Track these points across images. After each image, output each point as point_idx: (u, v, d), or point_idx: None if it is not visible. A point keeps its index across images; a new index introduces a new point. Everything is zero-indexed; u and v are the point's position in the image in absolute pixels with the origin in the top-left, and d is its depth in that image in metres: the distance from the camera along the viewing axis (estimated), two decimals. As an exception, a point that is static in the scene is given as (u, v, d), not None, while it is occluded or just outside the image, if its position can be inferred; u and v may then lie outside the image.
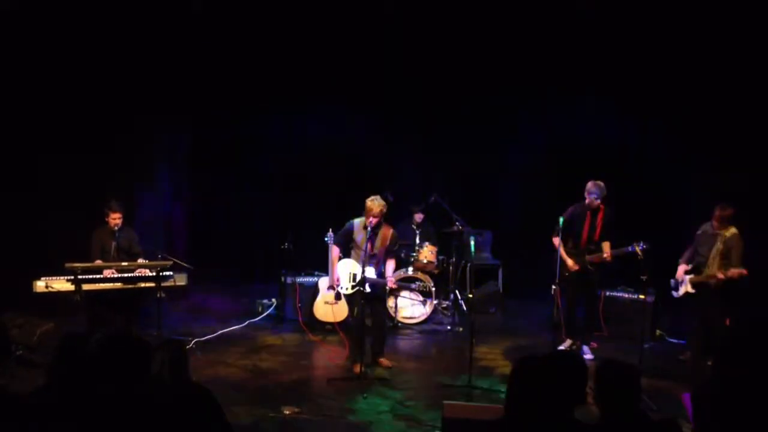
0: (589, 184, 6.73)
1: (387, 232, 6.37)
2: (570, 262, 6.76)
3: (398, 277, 7.69)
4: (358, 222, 6.38)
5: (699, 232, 6.66)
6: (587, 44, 8.75)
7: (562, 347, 6.87)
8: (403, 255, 8.25)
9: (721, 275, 6.22)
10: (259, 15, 9.03)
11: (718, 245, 6.35)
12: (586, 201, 6.75)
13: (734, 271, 6.16)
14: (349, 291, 6.48)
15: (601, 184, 6.71)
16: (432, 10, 8.89)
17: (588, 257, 6.77)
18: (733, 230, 6.37)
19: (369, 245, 6.18)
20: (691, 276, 6.56)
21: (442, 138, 9.91)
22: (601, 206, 6.77)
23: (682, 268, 6.68)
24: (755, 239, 6.46)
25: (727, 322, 6.30)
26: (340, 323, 7.40)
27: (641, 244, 6.25)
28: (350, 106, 9.83)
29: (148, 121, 8.74)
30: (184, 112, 9.47)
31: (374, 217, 6.17)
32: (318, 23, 9.10)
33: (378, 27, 9.09)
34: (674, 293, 6.74)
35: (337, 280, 6.56)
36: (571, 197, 7.00)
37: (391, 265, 6.52)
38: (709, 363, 6.19)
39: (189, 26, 8.78)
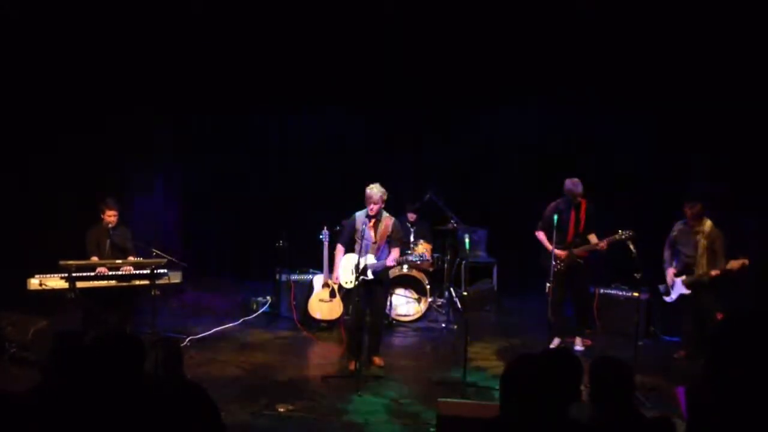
0: (566, 183, 6.84)
1: (388, 222, 6.38)
2: (558, 251, 6.81)
3: (395, 274, 7.70)
4: (360, 214, 6.38)
5: (674, 233, 6.81)
6: (581, 42, 8.76)
7: (552, 346, 6.88)
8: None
9: (716, 272, 6.34)
10: (257, 14, 9.00)
11: (702, 241, 6.46)
12: (568, 197, 6.86)
13: (735, 263, 6.26)
14: (352, 284, 6.36)
15: (576, 180, 6.82)
16: (429, 10, 8.88)
17: (575, 250, 6.81)
18: (708, 223, 6.52)
19: (372, 233, 6.22)
20: (683, 278, 6.64)
21: (437, 135, 9.92)
22: (582, 201, 6.87)
23: (671, 272, 6.78)
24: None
25: (720, 316, 6.35)
26: (333, 321, 7.41)
27: (626, 232, 6.31)
28: (344, 105, 9.83)
29: (143, 118, 8.72)
30: (180, 111, 9.45)
31: (375, 203, 6.19)
32: (315, 22, 9.07)
33: (375, 26, 9.08)
34: (666, 298, 6.84)
35: (337, 279, 6.53)
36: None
37: (396, 253, 6.42)
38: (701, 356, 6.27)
39: (186, 26, 8.75)
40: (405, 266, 8.10)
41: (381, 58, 9.29)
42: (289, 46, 9.32)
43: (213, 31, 8.98)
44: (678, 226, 6.76)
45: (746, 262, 6.27)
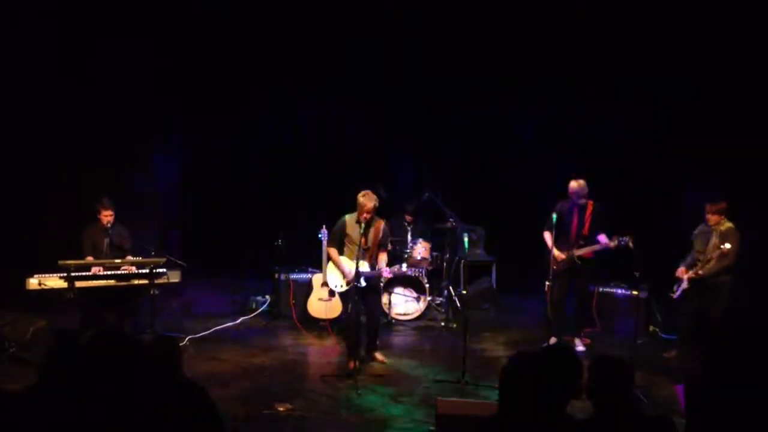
0: (571, 185, 6.79)
1: (379, 225, 6.38)
2: (556, 252, 6.79)
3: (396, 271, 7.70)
4: (349, 217, 6.39)
5: (695, 232, 6.75)
6: (578, 39, 8.77)
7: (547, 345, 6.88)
8: (396, 249, 8.22)
9: (701, 271, 6.39)
10: (256, 4, 9.01)
11: (714, 239, 6.43)
12: (572, 198, 6.81)
13: (713, 263, 6.23)
14: (344, 288, 6.46)
15: (582, 182, 6.77)
16: (426, 8, 8.89)
17: (577, 251, 6.79)
18: (728, 224, 6.46)
19: (363, 239, 6.19)
20: (689, 274, 6.62)
21: (434, 133, 9.92)
22: (589, 202, 6.81)
23: (682, 269, 6.73)
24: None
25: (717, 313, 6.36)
26: (333, 321, 7.41)
27: (622, 239, 6.27)
28: (343, 102, 9.82)
29: (141, 117, 8.71)
30: (176, 111, 9.44)
31: (368, 213, 6.18)
32: (314, 16, 9.09)
33: (373, 23, 9.08)
34: (673, 295, 6.78)
35: (350, 274, 6.43)
36: (563, 193, 7.04)
37: (383, 257, 6.52)
38: (696, 355, 6.27)
39: (184, 13, 8.75)
40: (404, 265, 8.09)
41: (381, 55, 9.29)
42: (287, 39, 9.33)
43: (211, 23, 8.98)
44: (700, 227, 6.71)
45: (727, 261, 6.32)
